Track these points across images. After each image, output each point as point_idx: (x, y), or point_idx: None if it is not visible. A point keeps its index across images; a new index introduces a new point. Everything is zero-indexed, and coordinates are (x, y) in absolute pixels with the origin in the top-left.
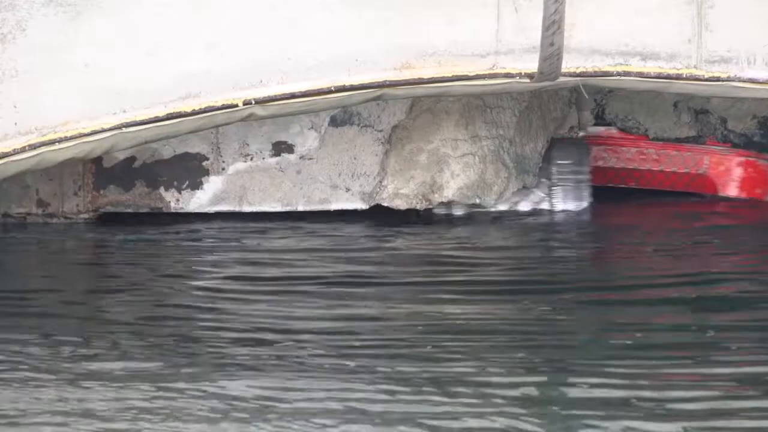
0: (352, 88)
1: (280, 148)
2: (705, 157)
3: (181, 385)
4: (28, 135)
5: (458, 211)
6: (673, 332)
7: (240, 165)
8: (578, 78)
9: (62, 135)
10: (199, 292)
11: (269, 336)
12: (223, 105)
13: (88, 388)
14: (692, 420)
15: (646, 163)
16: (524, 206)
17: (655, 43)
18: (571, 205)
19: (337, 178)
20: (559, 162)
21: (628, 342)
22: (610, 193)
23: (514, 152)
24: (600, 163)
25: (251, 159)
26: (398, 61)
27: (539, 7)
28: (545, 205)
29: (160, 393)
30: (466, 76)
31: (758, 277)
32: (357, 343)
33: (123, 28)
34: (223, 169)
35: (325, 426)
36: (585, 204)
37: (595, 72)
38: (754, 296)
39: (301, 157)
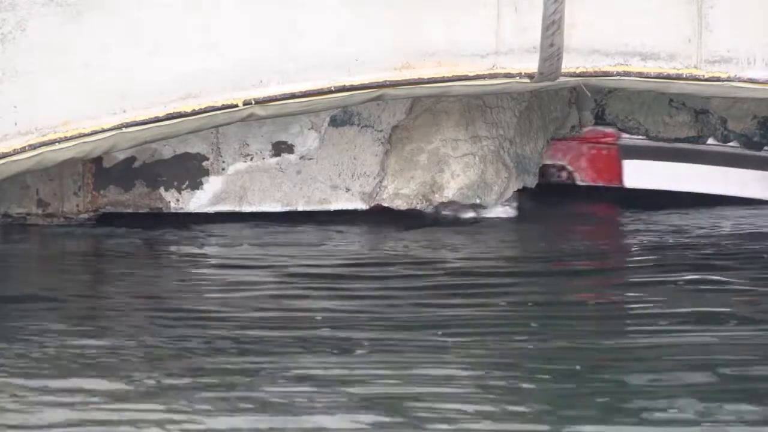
0: (352, 88)
1: (280, 148)
2: None
3: (178, 387)
4: (28, 135)
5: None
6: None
7: (240, 165)
8: (578, 78)
9: (62, 135)
10: (199, 293)
11: (268, 339)
12: (223, 105)
13: (87, 387)
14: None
15: None
16: None
17: (655, 43)
18: None
19: (337, 179)
20: None
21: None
22: None
23: (514, 152)
24: None
25: (251, 159)
26: (398, 61)
27: (539, 7)
28: None
29: (158, 395)
30: (466, 76)
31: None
32: (356, 342)
33: (123, 28)
34: (223, 169)
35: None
36: None
37: (595, 72)
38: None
39: (301, 158)
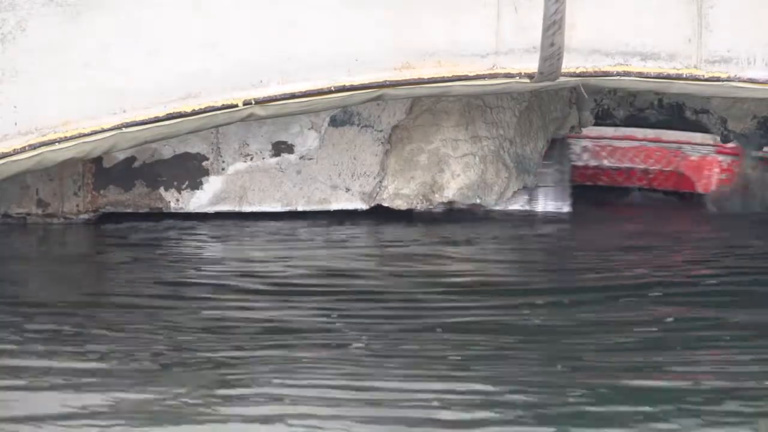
0: (352, 88)
1: (280, 148)
2: None
3: (175, 387)
4: (28, 135)
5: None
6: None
7: (240, 165)
8: (578, 78)
9: (62, 135)
10: (199, 293)
11: (265, 340)
12: (223, 105)
13: (87, 388)
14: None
15: None
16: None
17: (655, 43)
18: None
19: (337, 179)
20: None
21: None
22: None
23: (514, 152)
24: None
25: (251, 159)
26: (398, 61)
27: (539, 7)
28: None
29: (159, 395)
30: (467, 76)
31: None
32: (355, 344)
33: (123, 28)
34: (223, 169)
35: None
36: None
37: (595, 72)
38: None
39: (301, 157)
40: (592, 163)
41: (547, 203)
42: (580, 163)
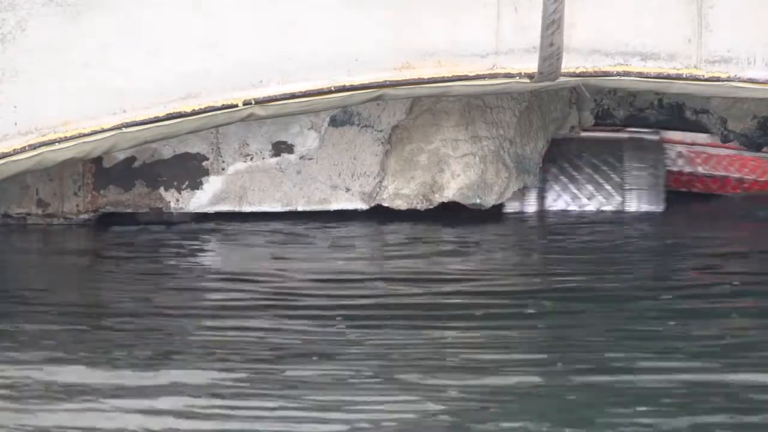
0: (352, 88)
1: (280, 148)
2: None
3: (171, 397)
4: (28, 135)
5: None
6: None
7: (240, 165)
8: (578, 78)
9: (62, 135)
10: (197, 296)
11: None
12: (223, 105)
13: (83, 394)
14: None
15: None
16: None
17: (655, 43)
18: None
19: (337, 179)
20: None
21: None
22: None
23: (514, 152)
24: None
25: (251, 159)
26: (398, 61)
27: (539, 7)
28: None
29: (155, 402)
30: (466, 76)
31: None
32: (355, 347)
33: (123, 27)
34: (223, 169)
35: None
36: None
37: (595, 72)
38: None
39: (301, 157)
40: (687, 169)
41: (641, 205)
42: (674, 169)
